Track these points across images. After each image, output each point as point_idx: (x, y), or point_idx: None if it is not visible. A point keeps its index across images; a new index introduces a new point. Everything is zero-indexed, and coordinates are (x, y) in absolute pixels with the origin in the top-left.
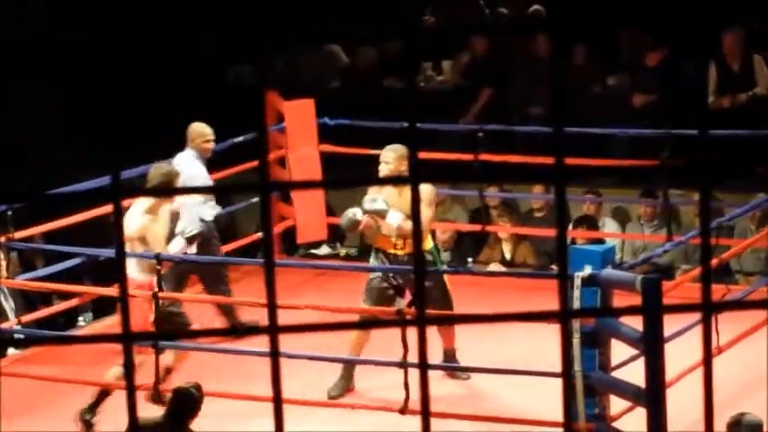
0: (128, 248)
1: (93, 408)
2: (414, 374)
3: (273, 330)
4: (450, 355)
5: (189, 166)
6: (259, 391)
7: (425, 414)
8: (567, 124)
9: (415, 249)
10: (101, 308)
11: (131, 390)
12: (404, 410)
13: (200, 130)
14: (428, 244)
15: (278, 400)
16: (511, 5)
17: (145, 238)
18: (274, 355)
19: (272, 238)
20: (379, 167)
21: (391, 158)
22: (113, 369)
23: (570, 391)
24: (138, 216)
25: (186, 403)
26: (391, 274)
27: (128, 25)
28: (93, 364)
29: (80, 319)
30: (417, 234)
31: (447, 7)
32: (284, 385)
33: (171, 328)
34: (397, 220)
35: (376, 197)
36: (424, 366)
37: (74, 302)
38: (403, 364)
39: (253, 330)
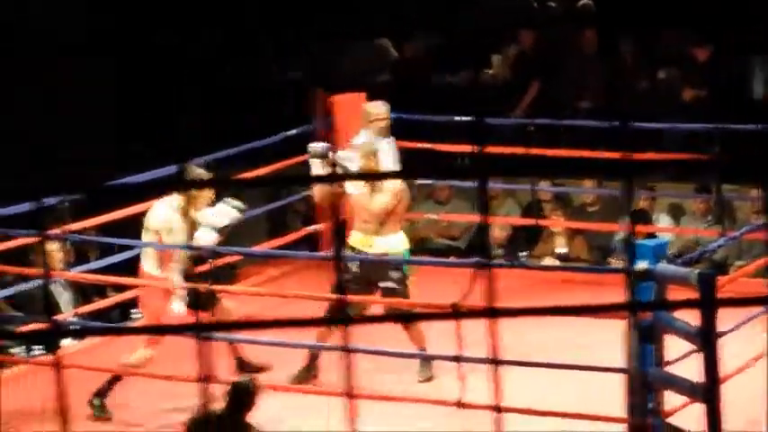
0: (148, 239)
1: (101, 393)
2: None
3: (344, 322)
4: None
5: None
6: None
7: (497, 408)
8: (619, 119)
9: (482, 243)
10: None
11: (205, 382)
12: (460, 403)
13: (370, 110)
14: (393, 247)
15: (350, 395)
16: None
17: (170, 230)
18: (346, 350)
19: (343, 233)
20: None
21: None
22: (139, 351)
23: (640, 385)
24: (166, 209)
25: (242, 397)
26: (358, 272)
27: (164, 22)
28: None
29: (133, 311)
30: (484, 229)
31: (496, 0)
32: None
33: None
34: (356, 188)
35: (352, 158)
36: (495, 362)
37: (128, 295)
38: (458, 358)
39: (324, 321)
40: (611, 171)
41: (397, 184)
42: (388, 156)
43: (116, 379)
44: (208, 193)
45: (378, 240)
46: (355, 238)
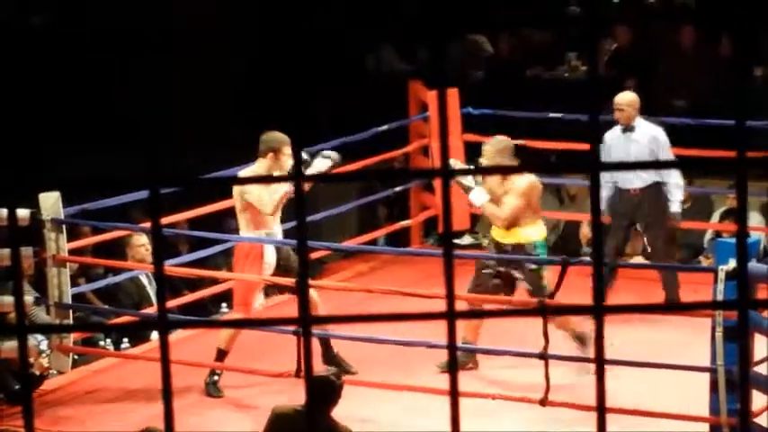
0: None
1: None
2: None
3: (451, 316)
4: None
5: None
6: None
7: (601, 409)
8: (710, 116)
9: (598, 241)
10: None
11: (309, 373)
12: (544, 402)
13: (615, 99)
14: (529, 237)
15: (454, 393)
16: None
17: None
18: (452, 347)
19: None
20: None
21: (488, 152)
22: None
23: (724, 385)
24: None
25: (324, 392)
26: (494, 263)
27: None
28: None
29: (223, 305)
30: (597, 228)
31: None
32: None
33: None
34: (479, 199)
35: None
36: (600, 361)
37: (219, 288)
38: (543, 356)
39: (432, 316)
40: (728, 166)
41: (524, 183)
42: (618, 148)
43: (221, 357)
44: (289, 153)
45: (514, 231)
46: (495, 231)
